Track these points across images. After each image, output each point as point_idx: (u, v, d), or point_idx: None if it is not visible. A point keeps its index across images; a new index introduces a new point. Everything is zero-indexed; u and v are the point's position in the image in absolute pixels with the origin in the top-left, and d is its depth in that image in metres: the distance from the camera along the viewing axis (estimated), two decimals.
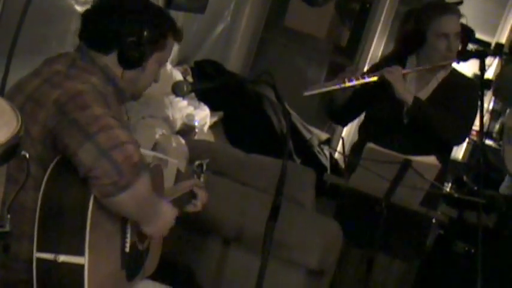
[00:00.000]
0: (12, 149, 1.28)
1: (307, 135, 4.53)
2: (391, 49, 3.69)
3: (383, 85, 2.76)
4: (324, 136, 4.83)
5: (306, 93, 2.78)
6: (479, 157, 4.49)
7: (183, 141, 3.18)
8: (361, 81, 2.76)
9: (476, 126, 3.03)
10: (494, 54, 4.97)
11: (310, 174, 3.02)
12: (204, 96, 4.03)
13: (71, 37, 2.62)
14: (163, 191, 2.07)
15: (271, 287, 2.22)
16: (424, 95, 2.87)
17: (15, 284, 1.76)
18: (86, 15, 1.87)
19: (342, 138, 3.96)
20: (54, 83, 1.74)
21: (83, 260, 1.65)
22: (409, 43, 2.91)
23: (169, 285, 2.12)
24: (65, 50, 1.90)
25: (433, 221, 3.25)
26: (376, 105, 2.95)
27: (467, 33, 2.91)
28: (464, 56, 2.83)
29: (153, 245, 2.04)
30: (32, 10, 2.11)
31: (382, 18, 5.47)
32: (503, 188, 4.25)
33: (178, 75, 3.83)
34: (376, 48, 5.52)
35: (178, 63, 4.26)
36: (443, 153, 2.91)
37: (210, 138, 3.94)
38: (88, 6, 1.89)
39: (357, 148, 2.93)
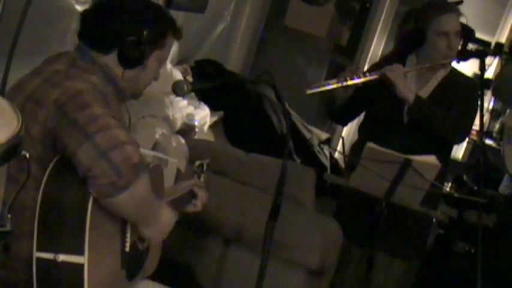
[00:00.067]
0: (13, 149, 1.28)
1: (307, 135, 4.53)
2: (391, 49, 3.70)
3: (384, 84, 2.77)
4: (324, 136, 4.83)
5: (309, 92, 2.78)
6: (479, 157, 4.49)
7: (183, 140, 3.18)
8: (363, 79, 2.77)
9: (476, 125, 3.03)
10: (494, 53, 4.97)
11: (310, 173, 3.02)
12: (204, 96, 4.03)
13: (71, 37, 2.61)
14: (163, 191, 2.07)
15: (271, 287, 2.22)
16: (424, 93, 2.87)
17: (15, 283, 1.76)
18: (85, 15, 1.87)
19: (342, 138, 3.95)
20: (54, 83, 1.74)
21: (82, 259, 1.65)
22: (409, 42, 2.91)
23: (169, 286, 2.11)
24: (65, 50, 1.90)
25: (433, 220, 3.25)
26: (376, 105, 2.95)
27: (467, 33, 2.91)
28: (464, 56, 2.84)
29: (153, 245, 2.04)
30: (32, 10, 2.10)
31: (382, 18, 5.47)
32: (502, 188, 4.26)
33: (178, 75, 3.83)
34: (376, 47, 5.52)
35: (178, 63, 4.26)
36: (443, 152, 2.92)
37: (210, 137, 3.94)
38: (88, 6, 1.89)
39: (357, 148, 2.94)
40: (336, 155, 4.71)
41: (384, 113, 2.92)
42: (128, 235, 1.83)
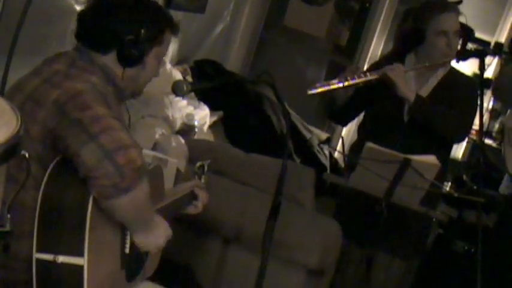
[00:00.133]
0: (12, 148, 1.28)
1: (307, 135, 4.53)
2: (390, 48, 3.70)
3: (384, 83, 2.76)
4: (324, 136, 4.83)
5: (310, 92, 2.77)
6: (479, 156, 4.48)
7: (182, 140, 3.18)
8: (364, 79, 2.76)
9: (476, 125, 3.03)
10: (493, 53, 4.96)
11: (310, 173, 3.01)
12: (203, 96, 4.03)
13: (71, 37, 2.61)
14: (163, 193, 2.06)
15: (271, 287, 2.21)
16: (423, 93, 2.86)
17: (15, 284, 1.75)
18: (82, 16, 1.86)
19: (342, 138, 3.96)
20: (54, 83, 1.73)
21: (82, 260, 1.64)
22: (408, 41, 2.91)
23: (169, 287, 2.11)
24: (64, 50, 1.90)
25: (433, 220, 3.25)
26: (376, 104, 2.95)
27: (466, 33, 2.91)
28: (463, 55, 2.83)
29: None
30: (32, 10, 2.10)
31: (381, 18, 5.46)
32: (502, 188, 4.25)
33: (178, 75, 3.83)
34: (376, 47, 5.52)
35: (177, 63, 4.26)
36: (443, 152, 2.91)
37: (210, 137, 3.94)
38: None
39: (356, 147, 2.93)
40: (336, 154, 4.71)
41: (384, 113, 2.92)
42: (128, 236, 1.82)
